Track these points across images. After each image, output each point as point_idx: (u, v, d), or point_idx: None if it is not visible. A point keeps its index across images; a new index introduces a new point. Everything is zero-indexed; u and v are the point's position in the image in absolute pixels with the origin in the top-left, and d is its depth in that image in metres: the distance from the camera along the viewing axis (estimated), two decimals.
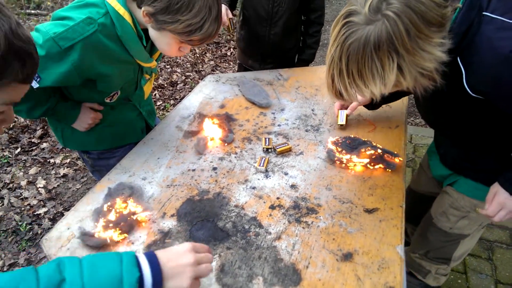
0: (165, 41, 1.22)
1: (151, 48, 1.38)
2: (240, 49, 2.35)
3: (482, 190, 1.23)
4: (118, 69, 1.29)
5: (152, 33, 1.23)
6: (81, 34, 1.12)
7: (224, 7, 1.92)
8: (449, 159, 1.36)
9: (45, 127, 3.30)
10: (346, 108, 1.57)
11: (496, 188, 1.15)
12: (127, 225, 1.11)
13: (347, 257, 1.05)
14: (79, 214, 1.18)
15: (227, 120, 1.61)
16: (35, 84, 1.16)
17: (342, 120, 1.55)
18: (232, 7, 2.13)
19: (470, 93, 0.95)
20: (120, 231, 1.08)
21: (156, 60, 1.44)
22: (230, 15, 1.97)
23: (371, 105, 1.54)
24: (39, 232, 2.46)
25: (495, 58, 0.86)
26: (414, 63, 0.87)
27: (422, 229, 1.55)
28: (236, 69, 2.62)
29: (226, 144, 1.50)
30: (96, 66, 1.21)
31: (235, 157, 1.44)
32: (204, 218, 1.17)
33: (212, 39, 1.24)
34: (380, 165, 1.35)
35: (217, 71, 4.70)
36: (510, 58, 0.83)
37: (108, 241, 1.07)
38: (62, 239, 1.10)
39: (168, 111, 3.69)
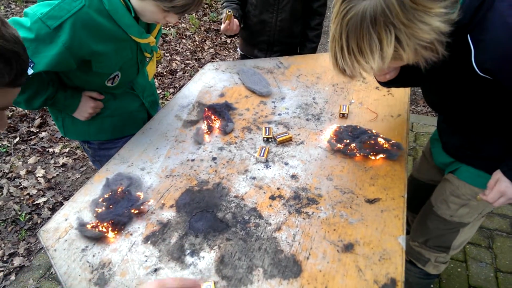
0: (148, 9, 1.20)
1: (148, 24, 1.35)
2: (243, 40, 2.28)
3: (484, 178, 1.22)
4: (112, 47, 1.26)
5: (135, 3, 1.21)
6: (68, 11, 1.10)
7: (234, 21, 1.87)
8: (451, 147, 1.34)
9: (44, 116, 3.27)
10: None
11: (498, 175, 1.14)
12: (121, 221, 1.09)
13: (348, 248, 1.04)
14: (77, 205, 1.17)
15: (226, 109, 1.58)
16: (29, 70, 1.13)
17: (345, 110, 1.56)
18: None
19: (478, 72, 0.92)
20: (112, 229, 1.08)
21: (156, 38, 1.41)
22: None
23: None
24: (38, 221, 2.46)
25: (507, 36, 0.83)
26: (412, 35, 0.85)
27: (422, 217, 1.54)
28: (237, 58, 2.56)
29: (225, 133, 1.48)
30: (89, 44, 1.18)
31: (234, 147, 1.42)
32: (203, 209, 1.16)
33: (198, 7, 1.21)
34: (382, 155, 1.33)
35: (217, 59, 4.65)
36: None
37: (105, 232, 1.06)
38: (60, 230, 1.09)
39: (168, 100, 3.66)
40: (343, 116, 1.56)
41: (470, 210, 1.35)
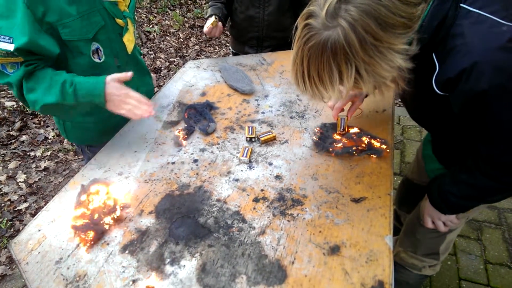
0: None
1: None
2: (233, 38, 2.23)
3: None
4: (74, 6, 1.19)
5: None
6: None
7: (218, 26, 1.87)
8: (440, 152, 1.31)
9: (24, 119, 3.17)
10: (343, 109, 1.40)
11: (422, 203, 1.16)
12: (96, 232, 1.05)
13: (334, 250, 1.01)
14: (50, 214, 1.11)
15: (208, 109, 1.53)
16: (9, 46, 1.09)
17: (342, 128, 1.38)
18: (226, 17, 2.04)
19: (437, 91, 0.90)
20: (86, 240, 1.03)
21: (129, 8, 1.36)
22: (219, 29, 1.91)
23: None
24: (20, 228, 2.38)
25: (467, 54, 0.80)
26: (373, 71, 0.83)
27: (409, 229, 1.52)
28: (223, 55, 2.51)
29: (207, 134, 1.43)
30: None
31: (217, 148, 1.38)
32: (184, 215, 1.11)
33: None
34: (367, 152, 1.30)
35: (202, 56, 4.58)
36: (484, 56, 0.78)
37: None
38: (32, 242, 1.04)
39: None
40: (343, 134, 1.39)
41: (458, 217, 1.32)
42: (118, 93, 1.22)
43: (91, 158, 1.52)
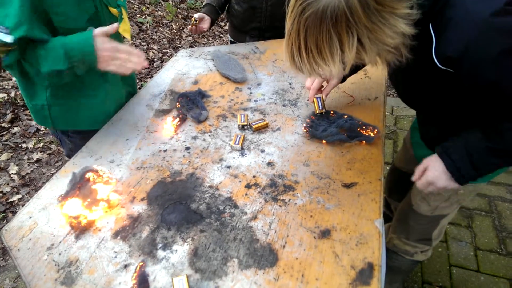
0: None
1: None
2: (233, 27, 2.20)
3: None
4: None
5: None
6: None
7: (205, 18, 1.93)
8: (429, 137, 1.31)
9: (16, 111, 3.14)
10: (320, 91, 1.44)
11: (428, 162, 1.10)
12: (88, 218, 1.05)
13: (325, 234, 1.02)
14: (41, 201, 1.11)
15: (200, 97, 1.53)
16: (8, 38, 1.05)
17: (320, 107, 1.40)
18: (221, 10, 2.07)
19: (439, 65, 0.87)
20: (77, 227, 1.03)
21: None
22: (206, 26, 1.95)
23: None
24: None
25: (469, 24, 0.79)
26: (376, 39, 0.79)
27: (401, 215, 1.52)
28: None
29: (199, 122, 1.43)
30: None
31: (209, 135, 1.38)
32: (176, 201, 1.12)
33: None
34: (358, 139, 1.31)
35: (196, 47, 4.55)
36: (486, 22, 0.77)
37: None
38: (23, 229, 1.03)
39: None
40: (321, 114, 1.42)
41: (451, 203, 1.33)
42: (107, 47, 1.14)
43: (72, 150, 1.51)
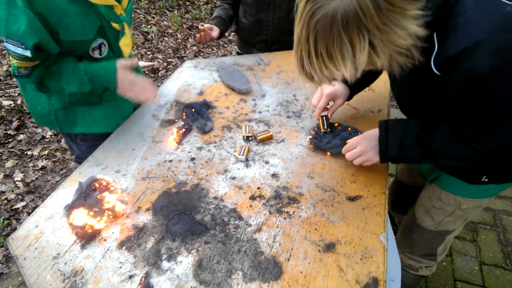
0: None
1: None
2: (241, 39, 2.22)
3: (466, 187, 1.19)
4: (73, 7, 1.18)
5: None
6: None
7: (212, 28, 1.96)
8: None
9: (22, 118, 3.17)
10: (327, 109, 1.43)
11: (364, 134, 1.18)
12: (93, 228, 1.06)
13: (330, 247, 1.02)
14: (48, 210, 1.12)
15: (205, 108, 1.54)
16: (26, 52, 1.11)
17: (325, 126, 1.40)
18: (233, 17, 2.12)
19: (435, 71, 0.87)
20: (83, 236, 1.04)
21: (126, 12, 1.36)
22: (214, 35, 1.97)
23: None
24: (17, 227, 2.38)
25: (468, 34, 0.79)
26: (388, 40, 0.78)
27: (405, 229, 1.51)
28: (221, 55, 2.54)
29: (204, 133, 1.44)
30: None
31: (214, 146, 1.39)
32: (181, 212, 1.12)
33: None
34: None
35: (200, 57, 4.59)
36: (482, 42, 0.77)
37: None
38: (30, 238, 1.04)
39: None
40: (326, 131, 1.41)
41: (455, 218, 1.32)
42: (127, 79, 1.31)
43: (80, 157, 1.54)
